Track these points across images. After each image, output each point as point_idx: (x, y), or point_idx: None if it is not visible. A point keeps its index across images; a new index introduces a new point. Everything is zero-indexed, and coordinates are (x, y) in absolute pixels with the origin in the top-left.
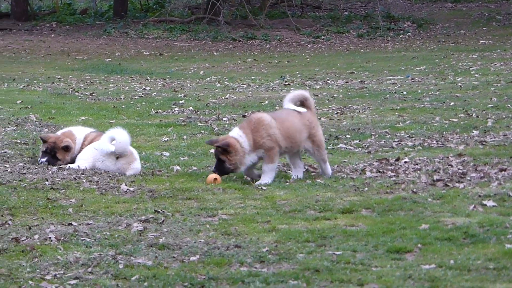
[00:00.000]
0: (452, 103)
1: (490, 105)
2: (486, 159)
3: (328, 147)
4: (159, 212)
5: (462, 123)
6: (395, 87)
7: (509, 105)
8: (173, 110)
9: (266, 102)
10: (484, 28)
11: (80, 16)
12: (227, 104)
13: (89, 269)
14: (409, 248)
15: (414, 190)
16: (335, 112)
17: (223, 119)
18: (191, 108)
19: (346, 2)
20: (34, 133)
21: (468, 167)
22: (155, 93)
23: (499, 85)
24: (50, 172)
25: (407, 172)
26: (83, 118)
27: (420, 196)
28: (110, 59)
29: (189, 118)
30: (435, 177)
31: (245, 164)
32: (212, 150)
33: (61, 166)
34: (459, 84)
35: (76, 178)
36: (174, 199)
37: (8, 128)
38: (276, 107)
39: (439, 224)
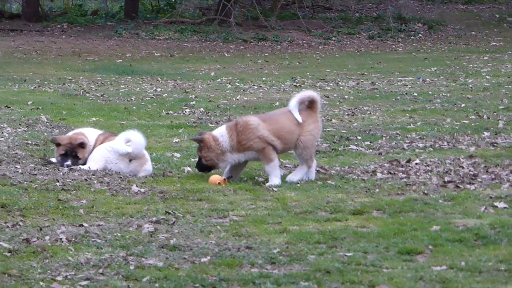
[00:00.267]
0: (463, 105)
1: (501, 107)
2: (497, 160)
3: (339, 148)
4: (170, 213)
5: (473, 124)
6: (406, 89)
7: None
8: (184, 111)
9: (277, 103)
10: (495, 30)
11: (91, 17)
12: (238, 105)
13: (100, 270)
14: (420, 249)
15: (425, 191)
16: (346, 114)
17: None
18: (202, 109)
19: (357, 3)
20: (45, 134)
21: (479, 168)
22: (166, 94)
23: (510, 86)
24: (61, 173)
25: (418, 173)
26: (94, 119)
27: (431, 198)
28: (121, 60)
29: (200, 119)
30: (446, 179)
31: (226, 161)
32: None
33: (72, 167)
34: (470, 85)
35: (87, 179)
36: (185, 200)
37: (19, 129)
38: None
39: (450, 226)
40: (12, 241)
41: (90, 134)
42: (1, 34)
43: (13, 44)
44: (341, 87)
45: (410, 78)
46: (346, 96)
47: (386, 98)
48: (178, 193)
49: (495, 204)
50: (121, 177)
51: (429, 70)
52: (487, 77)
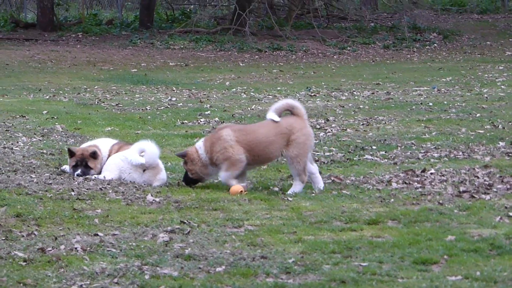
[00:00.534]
0: (478, 115)
1: None
2: None
3: (354, 158)
4: (185, 222)
5: (488, 134)
6: (421, 98)
7: None
8: (199, 121)
9: None
10: (510, 40)
11: (106, 26)
12: (253, 115)
13: (115, 280)
14: (435, 259)
15: (440, 201)
16: (361, 123)
17: None
18: (217, 118)
19: (372, 13)
20: (60, 143)
21: (494, 178)
22: (181, 104)
23: None
24: (76, 182)
25: (433, 183)
26: (109, 128)
27: (446, 208)
28: (136, 70)
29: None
30: (461, 189)
31: (210, 174)
32: None
33: (87, 177)
34: (485, 95)
35: (102, 188)
36: (200, 209)
37: (34, 138)
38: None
39: (465, 236)
40: (27, 250)
41: (103, 144)
42: (16, 44)
43: (28, 54)
44: (356, 97)
45: (425, 88)
46: (361, 106)
47: (401, 108)
48: (193, 203)
49: (510, 214)
50: (136, 187)
51: (444, 80)
52: (502, 87)
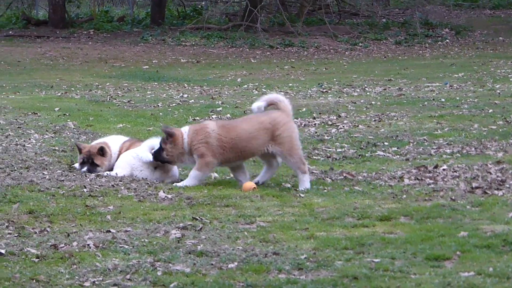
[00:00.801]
0: (490, 110)
1: None
2: None
3: (366, 154)
4: (197, 219)
5: (500, 130)
6: (433, 94)
7: None
8: (211, 118)
9: (304, 109)
10: None
11: (117, 23)
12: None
13: (128, 276)
14: (448, 255)
15: (453, 197)
16: (373, 119)
17: None
18: (228, 115)
19: (384, 9)
20: (72, 140)
21: (507, 174)
22: (193, 101)
23: None
24: (88, 179)
25: (445, 179)
26: (121, 125)
27: (459, 204)
28: (147, 67)
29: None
30: (474, 185)
31: (183, 161)
32: None
33: (99, 173)
34: (498, 91)
35: (114, 185)
36: (212, 206)
37: (46, 135)
38: (314, 114)
39: (478, 232)
40: (40, 247)
41: (113, 142)
42: (28, 41)
43: (40, 51)
44: (368, 93)
45: (437, 84)
46: (373, 102)
47: (413, 103)
48: (205, 199)
49: None
50: (148, 183)
51: (456, 75)
52: None
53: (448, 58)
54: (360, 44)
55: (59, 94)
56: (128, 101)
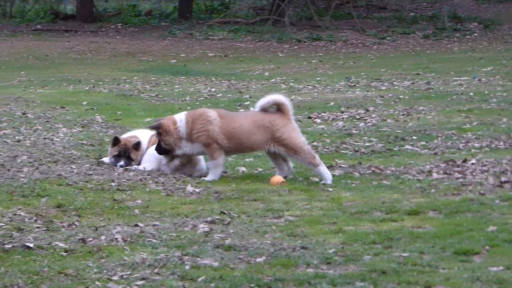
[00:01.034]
0: None
1: None
2: None
3: (394, 149)
4: (225, 213)
5: None
6: (462, 88)
7: None
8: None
9: (332, 103)
10: None
11: (145, 17)
12: (292, 106)
13: (156, 270)
14: (477, 250)
15: (482, 191)
16: (401, 114)
17: None
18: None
19: (412, 2)
20: (100, 134)
21: None
22: (220, 95)
23: None
24: (116, 173)
25: (474, 173)
26: (149, 119)
27: (488, 198)
28: (175, 61)
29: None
30: (503, 179)
31: (181, 148)
32: None
33: (127, 167)
34: None
35: (142, 179)
36: (240, 200)
37: (74, 130)
38: (342, 108)
39: (507, 226)
40: (68, 240)
41: (143, 135)
42: (56, 35)
43: (67, 45)
44: (396, 87)
45: (466, 78)
46: (401, 96)
47: (441, 98)
48: (233, 193)
49: None
50: (176, 177)
51: (484, 69)
52: None
53: (476, 52)
54: (388, 38)
55: (87, 88)
56: (156, 95)
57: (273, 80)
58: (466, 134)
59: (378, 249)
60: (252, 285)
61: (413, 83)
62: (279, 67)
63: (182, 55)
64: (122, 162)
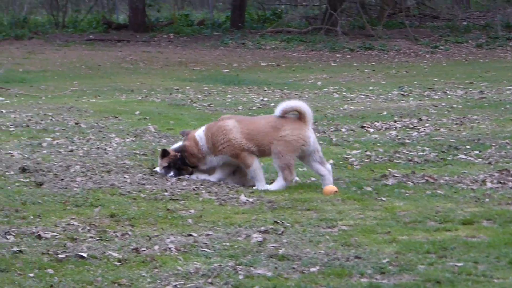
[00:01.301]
0: None
1: None
2: None
3: (448, 158)
4: (279, 223)
5: None
6: None
7: None
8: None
9: (385, 112)
10: None
11: (197, 27)
12: (345, 115)
13: (209, 280)
14: None
15: None
16: (455, 123)
17: (342, 129)
18: None
19: (465, 11)
20: (153, 144)
21: None
22: (273, 104)
23: None
24: (169, 183)
25: None
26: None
27: None
28: (227, 70)
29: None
30: None
31: (206, 164)
32: None
33: (180, 177)
34: None
35: (195, 189)
36: (293, 210)
37: (127, 139)
38: (394, 117)
39: None
40: (121, 250)
41: None
42: (109, 45)
43: (120, 55)
44: (449, 96)
45: None
46: (454, 105)
47: (495, 107)
48: (286, 203)
49: None
50: (229, 187)
51: None
52: None
53: None
54: (441, 47)
55: (139, 97)
56: (209, 104)
57: (326, 89)
58: None
59: (432, 258)
60: None
61: (466, 92)
62: (331, 76)
63: (234, 64)
64: (171, 173)
